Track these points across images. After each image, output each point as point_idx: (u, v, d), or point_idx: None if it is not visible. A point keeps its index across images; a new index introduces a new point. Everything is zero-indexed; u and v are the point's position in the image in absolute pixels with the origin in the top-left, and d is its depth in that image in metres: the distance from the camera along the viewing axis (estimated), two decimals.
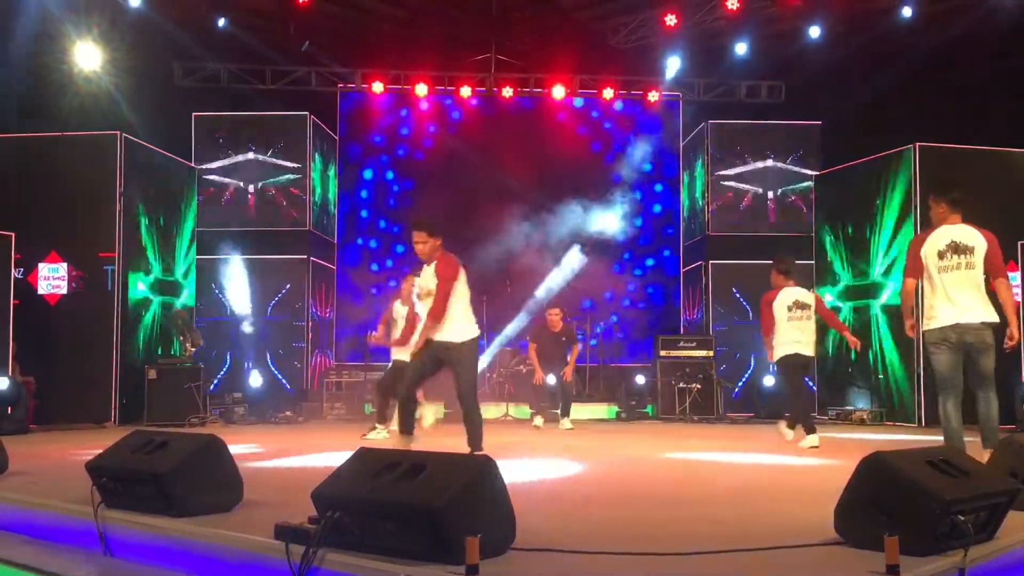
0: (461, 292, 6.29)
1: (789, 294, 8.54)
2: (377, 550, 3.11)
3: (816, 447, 7.86)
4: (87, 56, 11.81)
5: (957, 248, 6.17)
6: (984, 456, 5.20)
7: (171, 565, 3.75)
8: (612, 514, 4.39)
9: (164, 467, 3.92)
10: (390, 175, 15.11)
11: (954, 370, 6.10)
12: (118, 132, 11.09)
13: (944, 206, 6.42)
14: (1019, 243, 10.73)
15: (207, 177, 13.36)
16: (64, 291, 10.87)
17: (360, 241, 14.95)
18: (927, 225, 6.63)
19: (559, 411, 10.97)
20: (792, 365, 8.49)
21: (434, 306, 6.16)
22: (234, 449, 4.40)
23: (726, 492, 5.29)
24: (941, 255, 6.15)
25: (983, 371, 6.05)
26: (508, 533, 3.23)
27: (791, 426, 8.59)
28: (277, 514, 3.63)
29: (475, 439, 6.22)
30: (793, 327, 8.49)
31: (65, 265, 10.90)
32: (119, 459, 4.18)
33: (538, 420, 10.99)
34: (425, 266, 6.39)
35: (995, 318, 6.00)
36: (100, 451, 4.37)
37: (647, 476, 5.84)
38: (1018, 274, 10.82)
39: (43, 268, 10.90)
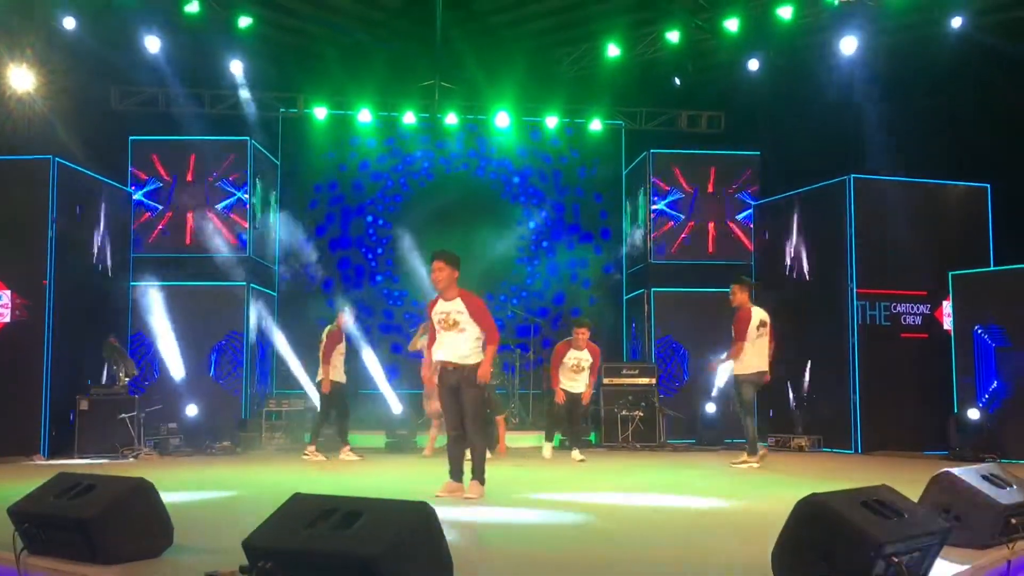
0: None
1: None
2: None
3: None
4: (20, 78, 11.54)
5: (762, 323, 9.22)
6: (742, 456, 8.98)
7: None
8: (550, 556, 4.36)
9: (89, 512, 3.79)
10: (332, 201, 14.98)
11: (754, 399, 9.41)
12: (51, 157, 10.82)
13: (748, 291, 9.34)
14: (950, 274, 11.00)
15: (144, 202, 13.10)
16: (8, 319, 10.54)
17: (301, 267, 14.77)
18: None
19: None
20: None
21: (488, 331, 6.68)
22: (165, 490, 4.28)
23: (664, 531, 5.29)
24: (757, 327, 9.15)
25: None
26: None
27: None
28: (208, 561, 3.54)
29: (478, 469, 6.61)
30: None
31: (9, 293, 10.57)
32: (43, 504, 4.03)
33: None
34: (441, 300, 6.75)
35: None
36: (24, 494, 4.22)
37: (585, 513, 5.82)
38: (950, 304, 11.08)
39: None
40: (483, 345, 6.68)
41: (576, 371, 10.18)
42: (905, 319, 11.46)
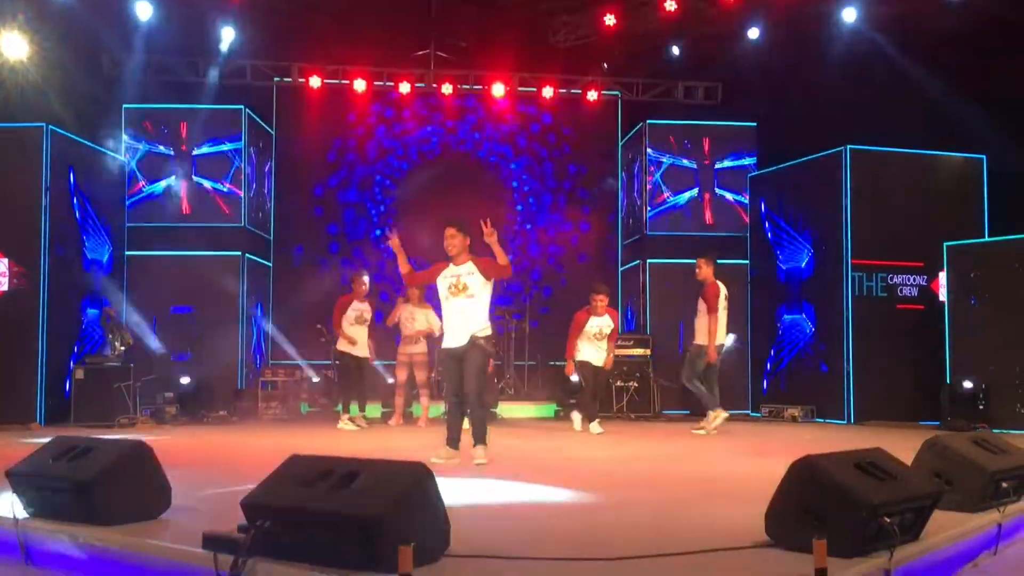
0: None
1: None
2: (308, 559, 3.07)
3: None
4: (12, 46, 11.44)
5: (727, 297, 9.68)
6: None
7: (96, 575, 3.65)
8: (545, 521, 4.39)
9: (87, 475, 3.81)
10: (327, 171, 14.91)
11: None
12: (44, 125, 10.76)
13: (713, 266, 9.67)
14: (945, 245, 11.01)
15: (137, 170, 13.05)
16: (5, 287, 10.52)
17: (296, 237, 14.74)
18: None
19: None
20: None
21: (507, 268, 6.72)
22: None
23: (659, 494, 5.33)
24: (724, 300, 9.58)
25: None
26: (442, 540, 3.21)
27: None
28: (206, 522, 3.57)
29: (479, 433, 6.64)
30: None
31: (6, 261, 10.54)
32: (41, 466, 4.06)
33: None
34: (451, 264, 6.74)
35: None
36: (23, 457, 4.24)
37: (580, 482, 5.86)
38: (944, 276, 11.10)
39: None
40: (487, 320, 6.70)
41: (599, 338, 9.91)
42: (901, 290, 11.50)
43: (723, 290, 9.65)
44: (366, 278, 10.77)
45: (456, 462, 6.53)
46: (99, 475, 3.81)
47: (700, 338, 9.64)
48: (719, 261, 10.15)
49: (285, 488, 3.25)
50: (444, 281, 6.75)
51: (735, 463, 6.95)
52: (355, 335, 10.44)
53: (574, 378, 10.39)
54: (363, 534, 2.95)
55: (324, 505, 3.08)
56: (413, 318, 10.79)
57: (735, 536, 3.55)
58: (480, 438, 6.63)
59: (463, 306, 6.64)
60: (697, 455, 7.62)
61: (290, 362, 13.17)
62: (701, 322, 9.67)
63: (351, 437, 9.37)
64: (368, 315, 10.57)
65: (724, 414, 9.51)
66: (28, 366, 10.38)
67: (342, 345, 10.50)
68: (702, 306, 9.68)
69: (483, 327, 6.67)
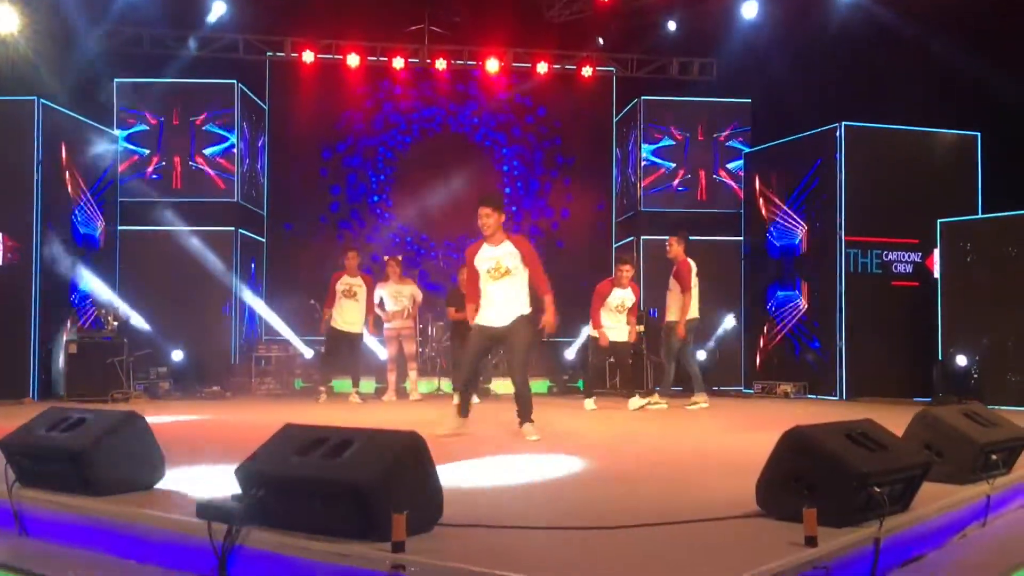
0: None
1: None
2: (303, 528, 3.07)
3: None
4: (3, 19, 11.34)
5: (697, 274, 9.58)
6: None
7: (90, 545, 3.66)
8: (538, 492, 4.41)
9: (81, 444, 3.81)
10: (320, 146, 14.85)
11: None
12: (35, 98, 10.69)
13: (684, 245, 9.63)
14: (939, 222, 11.03)
15: (129, 145, 12.98)
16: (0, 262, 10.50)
17: (290, 213, 14.70)
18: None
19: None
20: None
21: (542, 282, 6.63)
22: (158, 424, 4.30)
23: (651, 468, 5.36)
24: (695, 276, 9.54)
25: None
26: (436, 509, 3.22)
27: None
28: (200, 491, 3.57)
29: (526, 410, 6.55)
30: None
31: (0, 235, 10.50)
32: (34, 436, 4.05)
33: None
34: (486, 245, 6.62)
35: None
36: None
37: (573, 452, 5.88)
38: (938, 252, 11.12)
39: None
40: (528, 297, 6.58)
41: (620, 311, 9.60)
42: (896, 267, 11.53)
43: (694, 267, 9.62)
44: (353, 254, 10.77)
45: (462, 432, 6.56)
46: (93, 445, 3.81)
47: (673, 315, 9.63)
48: (692, 238, 10.12)
49: (279, 457, 3.25)
50: (483, 264, 6.61)
51: (726, 438, 6.97)
52: (342, 309, 10.45)
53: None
54: (356, 502, 2.96)
55: (318, 473, 3.08)
56: (399, 294, 10.80)
57: (725, 507, 3.58)
58: (527, 415, 6.53)
59: (505, 288, 6.52)
60: (689, 430, 7.65)
61: (283, 338, 13.17)
62: (673, 300, 9.66)
63: (346, 411, 9.39)
64: (359, 290, 10.54)
65: (661, 399, 9.68)
66: (20, 341, 10.37)
67: (333, 320, 10.53)
68: (674, 284, 9.68)
69: (526, 305, 6.58)
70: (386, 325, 10.87)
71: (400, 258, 11.29)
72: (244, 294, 13.26)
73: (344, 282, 10.53)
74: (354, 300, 10.51)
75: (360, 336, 10.66)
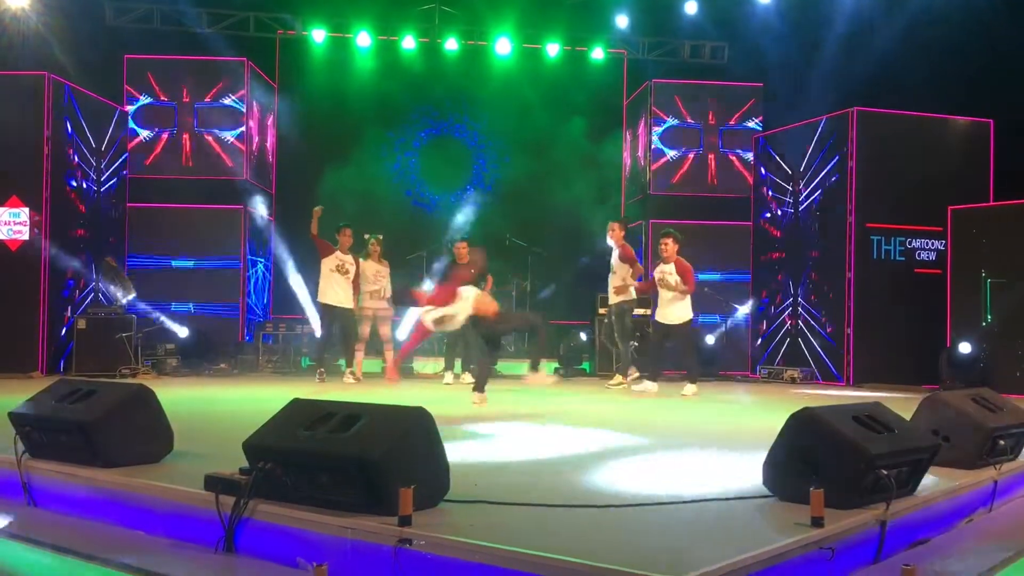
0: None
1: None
2: (309, 501, 3.09)
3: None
4: None
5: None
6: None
7: (98, 516, 3.68)
8: (545, 469, 4.42)
9: (90, 416, 3.83)
10: (330, 124, 14.79)
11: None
12: (45, 73, 10.68)
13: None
14: (950, 209, 10.96)
15: (139, 122, 12.97)
16: (26, 237, 10.51)
17: (298, 191, 14.66)
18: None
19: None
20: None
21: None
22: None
23: (658, 447, 5.36)
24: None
25: None
26: (442, 485, 3.22)
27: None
28: (208, 464, 3.58)
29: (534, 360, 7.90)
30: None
31: (27, 210, 10.51)
32: (44, 408, 4.07)
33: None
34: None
35: None
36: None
37: (581, 434, 5.89)
38: (946, 238, 11.06)
39: (3, 213, 10.51)
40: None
41: (662, 285, 9.25)
42: (916, 253, 11.49)
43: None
44: (349, 231, 10.62)
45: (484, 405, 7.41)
46: (103, 417, 3.83)
47: (622, 295, 9.82)
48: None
49: (287, 431, 3.27)
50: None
51: (735, 417, 6.98)
52: (334, 283, 10.41)
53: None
54: (363, 476, 2.97)
55: (325, 447, 3.10)
56: (379, 274, 10.77)
57: (730, 487, 3.58)
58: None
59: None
60: (692, 411, 7.65)
61: (290, 317, 13.18)
62: (619, 282, 9.83)
63: (353, 389, 9.40)
64: (351, 267, 10.43)
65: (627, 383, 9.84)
66: (30, 316, 10.41)
67: (324, 297, 10.45)
68: (620, 267, 9.81)
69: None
70: (362, 304, 10.76)
71: (381, 237, 11.13)
72: (251, 272, 13.27)
73: (337, 257, 10.43)
74: (346, 277, 10.47)
75: (351, 312, 10.57)
